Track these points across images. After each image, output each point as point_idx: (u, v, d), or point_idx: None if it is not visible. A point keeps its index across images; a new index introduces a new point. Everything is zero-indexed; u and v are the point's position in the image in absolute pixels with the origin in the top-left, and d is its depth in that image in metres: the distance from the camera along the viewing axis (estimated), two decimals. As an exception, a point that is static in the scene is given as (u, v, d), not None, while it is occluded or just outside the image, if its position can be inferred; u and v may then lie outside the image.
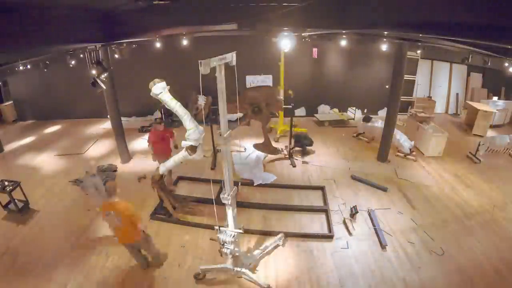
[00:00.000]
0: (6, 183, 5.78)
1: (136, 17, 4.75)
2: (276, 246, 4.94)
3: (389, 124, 7.70)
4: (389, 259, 4.68)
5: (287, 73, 9.72)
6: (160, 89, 4.61)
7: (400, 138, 8.14)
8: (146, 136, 6.77)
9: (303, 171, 7.51)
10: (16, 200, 5.70)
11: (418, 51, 7.87)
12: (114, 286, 4.28)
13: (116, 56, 8.74)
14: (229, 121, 3.96)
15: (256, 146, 6.81)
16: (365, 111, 11.63)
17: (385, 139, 7.82)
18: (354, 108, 11.16)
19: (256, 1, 3.95)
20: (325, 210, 5.79)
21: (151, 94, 4.68)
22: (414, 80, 11.56)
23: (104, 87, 5.45)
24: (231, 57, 3.49)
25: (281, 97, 7.42)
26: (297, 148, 8.28)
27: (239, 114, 5.72)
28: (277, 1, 3.91)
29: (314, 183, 6.88)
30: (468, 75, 11.77)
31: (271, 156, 7.82)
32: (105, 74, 5.54)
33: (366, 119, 9.45)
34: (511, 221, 5.50)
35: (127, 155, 8.02)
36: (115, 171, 7.48)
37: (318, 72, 11.25)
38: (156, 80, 4.66)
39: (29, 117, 11.87)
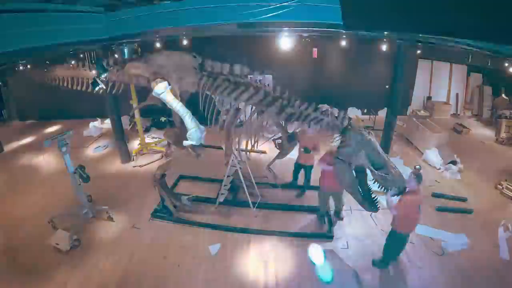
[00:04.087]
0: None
1: (136, 17, 4.75)
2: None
3: (389, 124, 7.70)
4: (389, 259, 4.68)
5: (287, 72, 9.72)
6: (162, 89, 4.61)
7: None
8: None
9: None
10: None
11: (418, 51, 7.87)
12: (114, 286, 4.29)
13: (116, 56, 8.73)
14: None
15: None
16: (365, 111, 11.63)
17: (385, 139, 7.82)
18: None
19: (256, 1, 3.94)
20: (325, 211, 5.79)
21: (153, 93, 4.68)
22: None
23: (104, 87, 5.46)
24: None
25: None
26: None
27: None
28: (277, 1, 3.91)
29: (314, 183, 6.87)
30: (468, 75, 11.78)
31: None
32: (105, 74, 5.55)
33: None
34: (511, 221, 5.50)
35: (127, 155, 8.02)
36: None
37: (318, 72, 11.24)
38: (158, 79, 4.66)
39: (29, 117, 11.86)
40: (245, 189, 5.52)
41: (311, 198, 6.30)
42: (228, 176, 5.65)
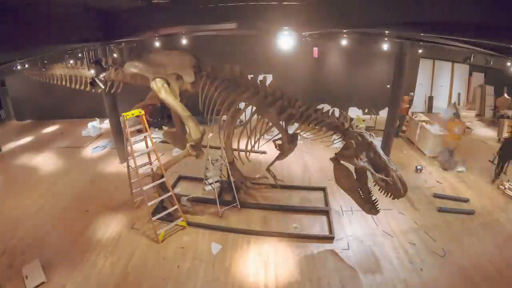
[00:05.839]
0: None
1: (136, 17, 4.73)
2: None
3: (390, 124, 7.67)
4: (390, 260, 4.65)
5: (287, 72, 9.62)
6: (161, 88, 4.60)
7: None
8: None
9: (304, 170, 7.48)
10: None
11: (420, 51, 7.80)
12: (113, 287, 4.27)
13: (115, 55, 8.71)
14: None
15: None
16: (366, 111, 11.59)
17: (386, 138, 7.79)
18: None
19: (256, 1, 3.92)
20: (326, 211, 5.76)
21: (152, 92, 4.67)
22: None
23: (103, 87, 5.45)
24: None
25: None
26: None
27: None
28: (277, 0, 3.89)
29: (315, 183, 6.85)
30: (470, 74, 11.73)
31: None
32: (104, 74, 5.54)
33: None
34: (513, 222, 5.48)
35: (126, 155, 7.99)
36: None
37: (318, 71, 11.21)
38: (158, 80, 4.65)
39: (27, 116, 11.84)
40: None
41: (312, 198, 6.29)
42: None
